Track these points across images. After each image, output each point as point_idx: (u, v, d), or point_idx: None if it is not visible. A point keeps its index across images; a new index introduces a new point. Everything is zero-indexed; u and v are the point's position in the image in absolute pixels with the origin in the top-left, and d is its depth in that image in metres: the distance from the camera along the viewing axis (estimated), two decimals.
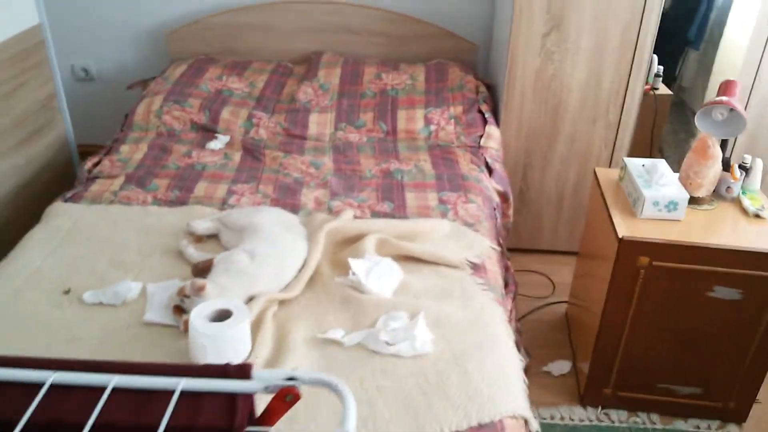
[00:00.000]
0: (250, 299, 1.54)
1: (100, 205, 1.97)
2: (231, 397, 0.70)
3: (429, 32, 2.76)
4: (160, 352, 1.42)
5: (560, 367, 2.19)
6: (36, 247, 1.77)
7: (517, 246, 2.69)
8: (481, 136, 2.36)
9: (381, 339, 1.44)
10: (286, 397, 0.70)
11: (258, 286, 1.56)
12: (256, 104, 2.54)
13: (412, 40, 2.78)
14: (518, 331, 1.90)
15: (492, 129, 2.37)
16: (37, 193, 2.37)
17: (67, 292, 1.61)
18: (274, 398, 0.71)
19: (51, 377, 0.71)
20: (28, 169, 2.32)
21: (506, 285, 1.94)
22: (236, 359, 1.37)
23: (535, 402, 2.04)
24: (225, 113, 2.48)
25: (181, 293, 1.49)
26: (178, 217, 1.92)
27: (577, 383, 2.12)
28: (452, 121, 2.40)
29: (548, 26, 2.22)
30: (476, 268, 1.73)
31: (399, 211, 1.96)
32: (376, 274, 1.63)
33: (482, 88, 2.52)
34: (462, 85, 2.51)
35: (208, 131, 2.45)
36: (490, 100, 2.51)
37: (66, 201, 2.01)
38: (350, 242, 1.80)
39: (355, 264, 1.64)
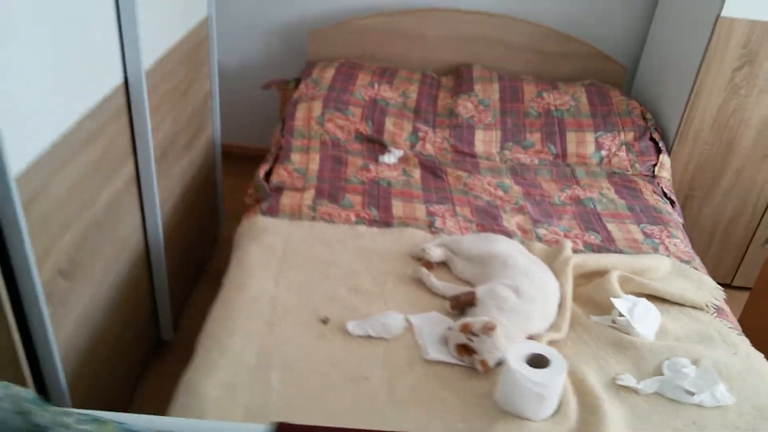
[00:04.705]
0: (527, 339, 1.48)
1: (302, 222, 1.88)
2: None
3: (580, 51, 2.71)
4: (456, 394, 1.35)
5: None
6: (260, 269, 1.67)
7: None
8: (655, 165, 2.33)
9: (680, 387, 1.39)
10: None
11: (533, 326, 1.50)
12: (414, 116, 2.46)
13: (562, 58, 2.73)
14: None
15: (665, 158, 2.34)
16: (193, 197, 2.24)
17: (325, 321, 1.52)
18: None
19: None
20: (189, 171, 2.19)
21: None
22: (552, 407, 1.31)
23: None
24: (388, 124, 2.39)
25: (467, 331, 1.42)
26: (391, 239, 1.84)
27: None
28: (623, 147, 2.37)
29: (741, 60, 2.20)
30: (719, 311, 1.70)
31: (608, 243, 1.92)
32: (638, 315, 1.59)
33: (648, 115, 2.48)
34: (629, 111, 2.47)
35: (374, 143, 2.35)
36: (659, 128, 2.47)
37: (264, 214, 1.90)
38: (585, 278, 1.75)
39: (619, 304, 1.59)
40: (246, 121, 3.08)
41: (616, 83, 2.74)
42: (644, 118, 2.47)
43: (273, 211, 1.92)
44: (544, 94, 2.53)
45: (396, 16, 2.72)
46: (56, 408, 0.66)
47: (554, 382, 1.28)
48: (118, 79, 1.63)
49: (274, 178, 2.10)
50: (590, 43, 2.75)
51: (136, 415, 0.71)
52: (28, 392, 0.66)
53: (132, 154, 1.76)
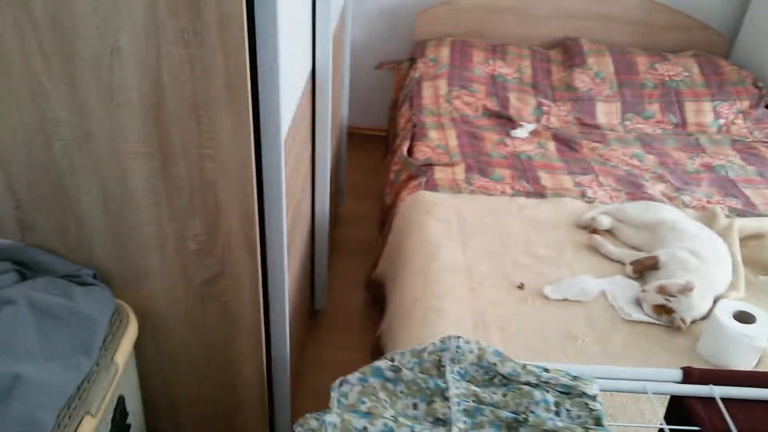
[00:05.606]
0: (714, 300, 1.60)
1: (463, 195, 1.99)
2: None
3: (680, 22, 2.78)
4: (665, 349, 1.48)
5: None
6: (445, 240, 1.78)
7: None
8: None
9: None
10: None
11: (716, 286, 1.61)
12: (534, 91, 2.55)
13: (662, 30, 2.80)
14: None
15: None
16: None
17: (521, 287, 1.64)
18: None
19: None
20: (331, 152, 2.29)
21: None
22: (756, 359, 1.43)
23: None
24: (513, 100, 2.49)
25: (664, 292, 1.53)
26: (552, 209, 1.95)
27: None
28: (740, 115, 2.45)
29: None
30: None
31: (750, 208, 2.02)
32: None
33: (760, 83, 2.56)
34: (741, 80, 2.55)
35: (501, 117, 2.45)
36: None
37: (425, 189, 2.01)
38: (741, 241, 1.85)
39: None
40: (355, 101, 3.16)
41: (718, 53, 2.81)
42: (756, 87, 2.55)
43: (432, 187, 2.03)
44: (657, 66, 2.61)
45: None
46: (513, 360, 0.78)
47: (764, 334, 1.40)
48: (310, 66, 1.74)
49: (419, 155, 2.21)
50: (689, 13, 2.82)
51: (573, 365, 0.83)
52: (491, 348, 0.78)
53: (311, 139, 1.87)
